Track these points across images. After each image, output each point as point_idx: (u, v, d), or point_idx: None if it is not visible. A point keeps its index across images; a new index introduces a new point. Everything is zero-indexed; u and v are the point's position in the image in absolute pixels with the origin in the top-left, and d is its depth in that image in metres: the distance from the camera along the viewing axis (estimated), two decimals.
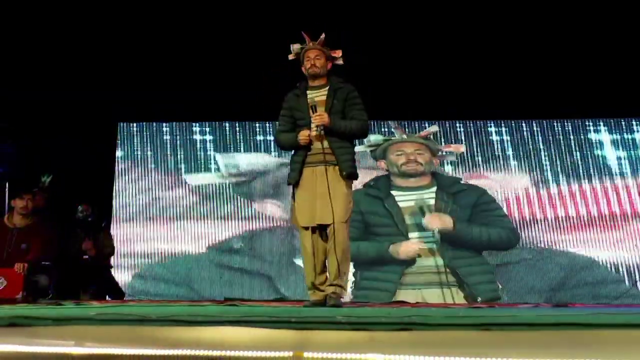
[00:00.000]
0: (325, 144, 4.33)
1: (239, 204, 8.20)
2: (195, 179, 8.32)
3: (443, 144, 7.90)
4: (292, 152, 4.59)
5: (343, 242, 4.27)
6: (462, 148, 7.26)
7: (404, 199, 6.27)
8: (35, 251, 6.11)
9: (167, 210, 8.28)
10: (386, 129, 7.90)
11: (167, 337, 2.13)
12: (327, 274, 4.35)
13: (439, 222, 6.03)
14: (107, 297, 7.06)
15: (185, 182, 8.35)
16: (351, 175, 4.36)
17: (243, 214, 8.15)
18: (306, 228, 4.38)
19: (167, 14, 7.63)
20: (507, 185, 7.61)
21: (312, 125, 4.36)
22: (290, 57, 4.62)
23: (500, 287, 6.37)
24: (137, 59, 7.90)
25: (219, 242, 8.14)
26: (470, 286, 5.92)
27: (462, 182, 6.51)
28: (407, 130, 8.04)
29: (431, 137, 6.43)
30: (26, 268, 5.78)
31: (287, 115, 4.57)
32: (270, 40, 6.97)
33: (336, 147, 4.34)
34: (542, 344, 2.04)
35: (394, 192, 6.32)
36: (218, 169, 8.33)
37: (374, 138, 6.61)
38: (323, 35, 4.54)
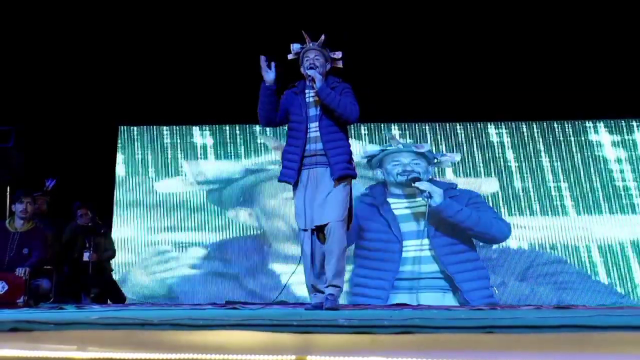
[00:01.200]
0: (320, 145, 4.33)
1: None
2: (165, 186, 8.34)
3: (443, 146, 7.92)
4: (285, 146, 4.54)
5: (339, 241, 4.24)
6: (458, 157, 7.27)
7: (399, 207, 6.29)
8: (37, 255, 6.10)
9: (169, 213, 8.28)
10: (379, 136, 7.98)
11: (169, 341, 2.13)
12: (327, 273, 4.30)
13: (427, 185, 6.04)
14: (108, 300, 7.07)
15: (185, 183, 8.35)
16: (342, 179, 4.31)
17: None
18: (305, 230, 4.36)
19: (168, 18, 7.64)
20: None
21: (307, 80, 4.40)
22: (290, 56, 4.59)
23: (496, 292, 6.38)
24: (138, 62, 7.90)
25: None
26: (464, 292, 5.91)
27: (455, 187, 6.52)
28: (405, 134, 8.06)
29: (428, 148, 6.45)
30: (28, 272, 5.77)
31: (280, 104, 4.54)
32: (272, 44, 7.01)
33: (329, 149, 4.32)
34: (545, 346, 2.04)
35: (389, 200, 6.34)
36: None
37: (370, 148, 6.65)
38: (323, 37, 4.52)
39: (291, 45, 4.56)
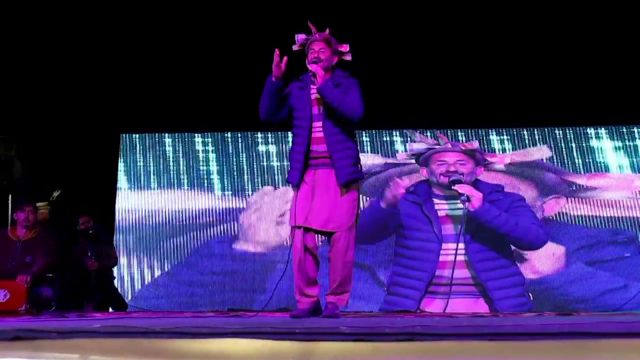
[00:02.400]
0: (324, 147, 4.16)
1: None
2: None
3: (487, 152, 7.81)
4: (292, 144, 4.37)
5: (344, 251, 4.12)
6: (508, 159, 7.19)
7: (440, 208, 6.17)
8: (39, 263, 6.11)
9: (171, 220, 8.29)
10: (380, 143, 8.00)
11: (172, 349, 2.13)
12: (330, 282, 4.19)
13: (468, 188, 5.91)
14: (109, 308, 7.07)
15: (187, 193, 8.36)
16: (349, 184, 4.15)
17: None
18: (298, 228, 4.17)
19: (170, 25, 7.66)
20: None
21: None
22: (295, 47, 4.38)
23: (531, 298, 6.26)
24: (140, 70, 7.92)
25: None
26: (495, 301, 5.82)
27: (501, 190, 6.38)
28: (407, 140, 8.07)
29: (477, 146, 6.31)
30: (29, 280, 5.77)
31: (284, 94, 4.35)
32: (274, 48, 7.02)
33: (334, 151, 4.15)
34: (547, 353, 2.03)
35: (434, 200, 6.23)
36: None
37: (416, 146, 6.48)
38: (328, 29, 4.33)
39: (296, 35, 4.37)
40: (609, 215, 7.91)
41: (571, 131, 8.22)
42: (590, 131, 8.22)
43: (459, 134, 8.21)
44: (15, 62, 7.78)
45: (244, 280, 8.01)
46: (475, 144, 6.25)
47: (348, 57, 4.40)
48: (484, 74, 7.73)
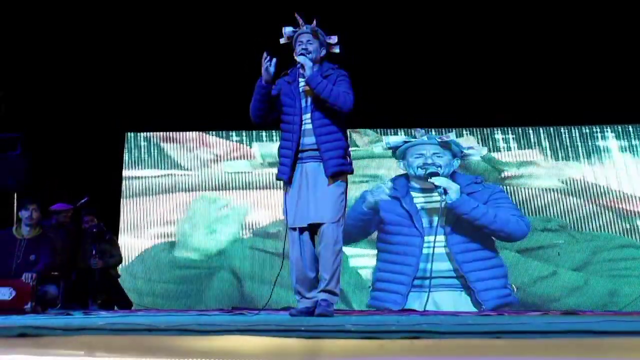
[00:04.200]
0: (312, 139, 4.11)
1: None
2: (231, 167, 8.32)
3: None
4: (280, 140, 4.31)
5: (333, 245, 4.01)
6: (485, 150, 7.23)
7: (418, 201, 6.17)
8: (44, 262, 6.12)
9: (174, 219, 8.30)
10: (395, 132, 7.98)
11: (177, 346, 2.13)
12: (321, 278, 4.09)
13: (444, 181, 5.93)
14: (114, 306, 7.08)
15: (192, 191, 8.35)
16: (336, 175, 4.06)
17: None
18: (293, 229, 4.15)
19: (174, 25, 7.67)
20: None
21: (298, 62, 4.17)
22: (282, 41, 4.33)
23: (515, 289, 6.27)
24: (145, 69, 7.92)
25: None
26: (477, 292, 5.83)
27: (480, 182, 6.37)
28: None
29: (453, 138, 6.30)
30: (35, 278, 5.78)
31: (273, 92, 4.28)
32: (277, 49, 7.02)
33: (322, 142, 4.07)
34: (552, 351, 2.03)
35: (412, 193, 6.23)
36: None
37: (393, 139, 6.49)
38: (315, 21, 4.27)
39: (283, 28, 4.31)
40: (540, 203, 7.95)
41: (577, 130, 8.19)
42: (596, 130, 8.18)
43: (465, 133, 8.18)
44: (20, 62, 7.79)
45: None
46: (451, 136, 6.27)
47: (336, 50, 4.35)
48: (489, 73, 7.69)
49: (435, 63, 7.72)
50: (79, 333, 2.21)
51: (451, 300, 5.90)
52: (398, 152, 6.40)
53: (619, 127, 8.15)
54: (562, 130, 8.19)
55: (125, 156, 8.47)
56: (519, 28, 7.56)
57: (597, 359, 2.00)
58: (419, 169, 6.11)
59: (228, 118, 8.12)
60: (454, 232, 5.96)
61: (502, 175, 8.08)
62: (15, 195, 6.87)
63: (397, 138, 6.50)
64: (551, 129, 8.20)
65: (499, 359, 2.01)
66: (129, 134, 8.56)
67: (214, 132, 8.50)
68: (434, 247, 5.84)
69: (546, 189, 7.99)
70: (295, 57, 4.20)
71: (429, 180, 5.93)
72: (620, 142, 8.12)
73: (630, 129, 8.16)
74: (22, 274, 5.82)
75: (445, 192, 5.83)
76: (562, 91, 7.66)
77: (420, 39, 7.59)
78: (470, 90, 7.73)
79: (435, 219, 5.96)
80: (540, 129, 8.22)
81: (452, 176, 6.20)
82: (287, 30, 4.31)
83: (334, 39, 4.32)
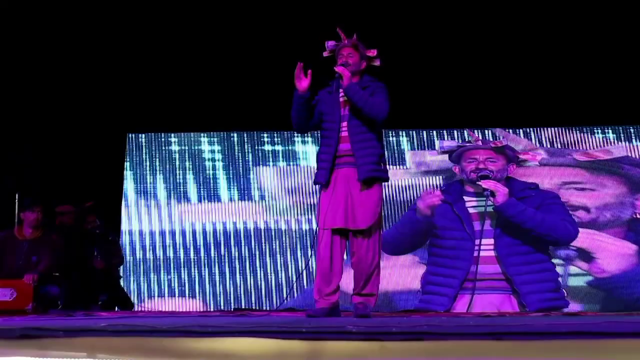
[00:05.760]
0: (348, 145, 4.23)
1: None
2: None
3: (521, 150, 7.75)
4: (319, 150, 4.45)
5: (367, 249, 4.14)
6: (539, 157, 7.21)
7: (473, 205, 6.20)
8: (46, 262, 6.13)
9: (177, 220, 8.30)
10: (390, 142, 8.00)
11: (178, 348, 2.13)
12: (354, 282, 4.23)
13: (492, 184, 5.95)
14: (116, 307, 7.08)
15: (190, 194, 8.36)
16: (369, 181, 4.18)
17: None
18: (324, 230, 4.22)
19: (175, 25, 7.67)
20: None
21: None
22: (325, 54, 4.51)
23: (565, 294, 6.27)
24: (146, 70, 7.93)
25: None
26: (522, 295, 5.84)
27: (534, 188, 6.38)
28: (414, 141, 8.04)
29: (507, 143, 6.33)
30: (36, 279, 5.79)
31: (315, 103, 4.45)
32: (279, 48, 7.03)
33: (357, 149, 4.21)
34: (553, 353, 2.03)
35: (465, 198, 6.26)
36: None
37: (447, 143, 6.55)
38: (355, 35, 4.43)
39: (326, 42, 4.50)
40: None
41: (577, 131, 8.16)
42: (597, 131, 8.16)
43: (467, 134, 8.16)
44: (22, 63, 7.80)
45: None
46: (505, 141, 6.30)
47: (377, 63, 4.52)
48: (492, 75, 7.68)
49: (439, 68, 7.70)
50: (80, 334, 2.21)
51: (496, 303, 5.92)
52: (453, 157, 6.47)
53: None
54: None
55: (127, 157, 8.47)
56: (540, 27, 7.57)
57: None
58: (472, 173, 6.16)
59: (229, 118, 8.16)
60: (503, 234, 5.99)
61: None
62: (17, 196, 6.88)
63: (451, 143, 6.56)
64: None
65: None
66: (130, 135, 8.56)
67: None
68: (479, 250, 5.87)
69: None
70: (335, 68, 4.33)
71: (477, 182, 5.99)
72: None
73: None
74: (23, 275, 5.83)
75: (493, 194, 5.88)
76: (568, 95, 7.68)
77: (426, 44, 7.59)
78: (473, 95, 7.75)
79: (485, 221, 6.00)
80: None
81: (507, 181, 6.22)
82: (330, 44, 4.50)
83: (373, 53, 4.49)
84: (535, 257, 6.05)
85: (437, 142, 7.67)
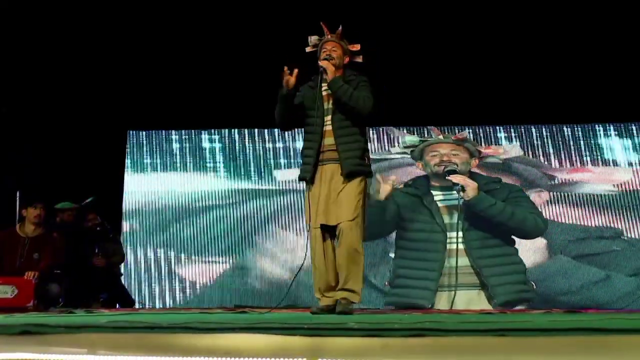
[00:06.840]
0: (332, 140, 4.22)
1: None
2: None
3: (483, 145, 7.77)
4: (303, 146, 4.44)
5: (351, 244, 4.07)
6: (502, 150, 7.25)
7: (440, 199, 6.22)
8: (47, 260, 6.13)
9: (178, 217, 8.29)
10: (385, 139, 7.99)
11: (179, 344, 2.13)
12: (339, 277, 4.17)
13: (461, 178, 5.96)
14: (117, 305, 7.08)
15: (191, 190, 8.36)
16: (353, 175, 4.17)
17: None
18: (315, 228, 4.22)
19: (176, 22, 7.66)
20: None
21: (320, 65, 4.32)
22: (308, 49, 4.52)
23: (534, 287, 6.30)
24: (146, 67, 7.92)
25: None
26: (490, 287, 5.85)
27: (498, 181, 6.40)
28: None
29: (469, 138, 6.35)
30: (37, 276, 5.79)
31: (297, 99, 4.43)
32: (278, 45, 7.02)
33: (340, 143, 4.19)
34: (556, 349, 2.03)
35: (433, 192, 6.27)
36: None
37: (409, 139, 6.55)
38: (340, 28, 4.43)
39: (309, 37, 4.50)
40: (593, 209, 7.87)
41: (579, 128, 8.17)
42: (599, 128, 8.16)
43: (467, 131, 8.15)
44: (22, 59, 7.79)
45: None
46: (466, 134, 6.33)
47: (359, 59, 4.52)
48: (492, 72, 7.68)
49: (438, 64, 7.70)
50: (81, 331, 2.21)
51: (466, 300, 5.92)
52: (415, 152, 6.48)
53: None
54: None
55: (127, 154, 8.47)
56: (525, 25, 7.56)
57: (600, 356, 1.99)
58: (436, 166, 6.18)
59: (230, 115, 8.15)
60: (471, 227, 6.01)
61: (553, 182, 8.03)
62: (18, 193, 6.87)
63: (413, 137, 6.57)
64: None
65: (503, 356, 2.01)
66: (130, 131, 8.56)
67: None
68: (457, 244, 5.89)
69: (597, 195, 7.92)
70: (319, 62, 4.35)
71: (446, 177, 5.99)
72: None
73: None
74: (24, 272, 5.83)
75: (463, 189, 5.88)
76: (570, 92, 7.68)
77: (420, 39, 7.57)
78: (472, 92, 7.74)
79: (454, 215, 6.01)
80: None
81: (471, 176, 6.23)
82: (313, 39, 4.51)
83: (357, 47, 4.50)
84: (503, 249, 6.11)
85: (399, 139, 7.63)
